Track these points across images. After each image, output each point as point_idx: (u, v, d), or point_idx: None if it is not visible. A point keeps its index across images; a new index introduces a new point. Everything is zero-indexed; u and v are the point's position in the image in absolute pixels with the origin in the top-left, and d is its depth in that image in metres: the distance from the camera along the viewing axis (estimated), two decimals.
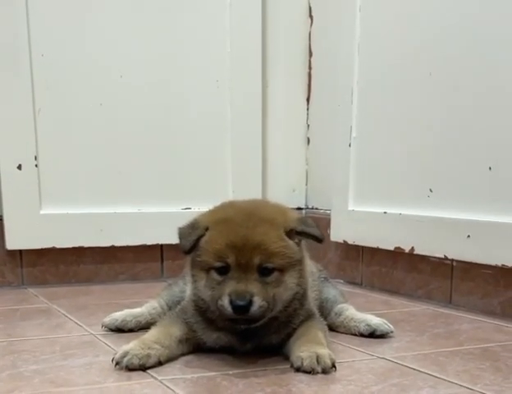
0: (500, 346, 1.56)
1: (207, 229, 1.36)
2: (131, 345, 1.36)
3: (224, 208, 1.41)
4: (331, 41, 2.57)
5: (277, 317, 1.40)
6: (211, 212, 1.42)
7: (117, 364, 1.34)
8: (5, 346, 1.55)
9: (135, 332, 1.64)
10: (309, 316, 1.46)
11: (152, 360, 1.35)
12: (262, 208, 1.40)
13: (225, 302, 1.31)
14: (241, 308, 1.29)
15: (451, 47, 2.00)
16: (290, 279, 1.37)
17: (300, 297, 1.43)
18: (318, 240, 1.39)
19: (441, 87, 2.04)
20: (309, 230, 1.38)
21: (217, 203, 1.46)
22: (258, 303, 1.30)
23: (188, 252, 1.38)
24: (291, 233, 1.37)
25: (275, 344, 1.43)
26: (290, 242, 1.36)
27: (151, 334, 1.41)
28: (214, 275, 1.35)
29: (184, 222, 1.43)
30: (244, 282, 1.31)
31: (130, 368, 1.33)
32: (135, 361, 1.33)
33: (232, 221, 1.35)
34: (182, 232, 1.40)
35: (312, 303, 1.50)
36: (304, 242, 1.43)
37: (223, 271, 1.34)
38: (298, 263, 1.38)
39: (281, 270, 1.34)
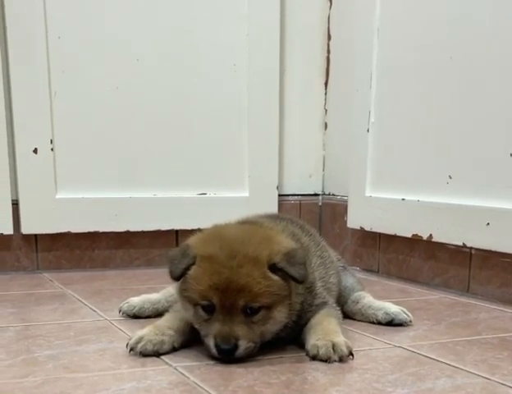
0: None
1: (195, 258, 1.33)
2: (146, 331, 1.36)
3: (212, 239, 1.36)
4: (350, 25, 2.53)
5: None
6: (201, 240, 1.38)
7: (132, 349, 1.34)
8: (19, 331, 1.55)
9: (152, 318, 1.63)
10: (323, 304, 1.44)
11: (166, 346, 1.35)
12: (247, 242, 1.33)
13: (210, 343, 1.30)
14: (227, 351, 1.28)
15: (473, 30, 1.96)
16: (279, 314, 1.33)
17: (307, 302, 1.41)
18: (296, 281, 1.33)
19: (461, 71, 2.00)
20: (289, 269, 1.31)
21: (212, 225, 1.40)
22: (243, 346, 1.29)
23: (177, 279, 1.36)
24: (275, 268, 1.31)
25: (289, 339, 1.42)
26: (275, 278, 1.31)
27: (165, 319, 1.41)
28: (200, 311, 1.33)
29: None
30: (229, 325, 1.28)
31: (144, 354, 1.33)
32: (149, 347, 1.33)
33: (216, 259, 1.30)
34: (172, 257, 1.37)
35: (324, 293, 1.48)
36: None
37: (209, 309, 1.31)
38: (286, 298, 1.33)
39: (268, 307, 1.31)
